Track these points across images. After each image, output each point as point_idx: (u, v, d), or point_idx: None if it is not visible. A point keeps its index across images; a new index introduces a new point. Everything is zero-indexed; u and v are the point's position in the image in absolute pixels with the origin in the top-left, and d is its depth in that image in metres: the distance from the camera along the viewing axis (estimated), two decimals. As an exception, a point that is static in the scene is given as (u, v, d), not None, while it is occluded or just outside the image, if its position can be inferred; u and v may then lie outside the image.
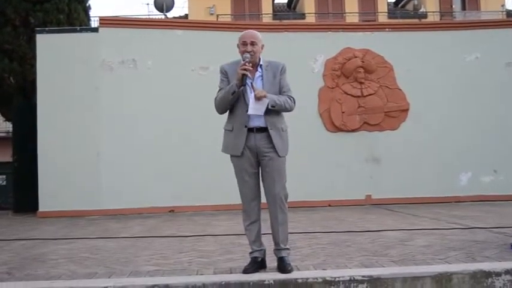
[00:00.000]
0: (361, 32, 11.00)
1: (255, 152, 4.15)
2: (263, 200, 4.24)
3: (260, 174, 4.23)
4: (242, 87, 4.08)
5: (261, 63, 4.24)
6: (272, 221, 4.19)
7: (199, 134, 9.98)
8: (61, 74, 10.05)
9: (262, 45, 4.26)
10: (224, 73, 4.28)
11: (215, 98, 4.27)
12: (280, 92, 4.22)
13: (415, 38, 10.93)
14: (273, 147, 4.13)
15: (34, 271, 4.53)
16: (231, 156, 4.26)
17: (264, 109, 4.06)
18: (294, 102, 4.26)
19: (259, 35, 4.25)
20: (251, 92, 4.10)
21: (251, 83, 4.09)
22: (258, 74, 4.22)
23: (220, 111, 4.28)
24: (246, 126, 4.13)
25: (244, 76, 4.03)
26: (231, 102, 4.16)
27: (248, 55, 4.11)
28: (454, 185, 10.57)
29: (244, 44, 4.17)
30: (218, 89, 4.28)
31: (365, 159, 10.56)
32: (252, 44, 4.16)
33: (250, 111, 4.06)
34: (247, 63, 4.07)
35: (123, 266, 4.65)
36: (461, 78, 10.76)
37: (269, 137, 4.13)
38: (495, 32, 11.03)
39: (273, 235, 4.22)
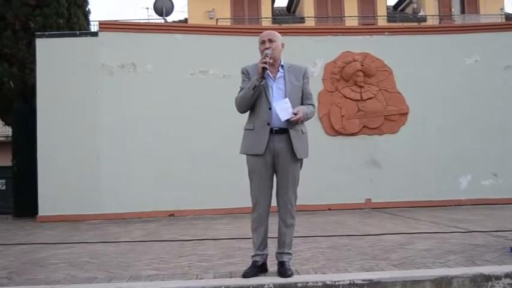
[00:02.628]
0: (361, 36, 11.02)
1: (273, 154, 4.14)
2: (273, 203, 4.23)
3: (274, 177, 4.22)
4: (263, 82, 4.08)
5: (282, 64, 4.27)
6: (280, 224, 4.21)
7: (199, 137, 9.99)
8: (61, 78, 10.05)
9: (283, 44, 4.30)
10: (246, 73, 4.29)
11: (236, 98, 4.26)
12: (303, 97, 4.27)
13: (415, 41, 10.95)
14: (291, 149, 4.12)
15: (34, 276, 4.53)
16: (249, 156, 4.22)
17: (288, 115, 4.07)
18: (315, 109, 4.39)
19: (278, 34, 4.29)
20: (272, 85, 4.15)
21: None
22: (280, 74, 4.24)
23: (242, 109, 4.25)
24: (268, 124, 4.12)
25: (264, 70, 4.04)
26: (252, 99, 4.15)
27: (269, 51, 4.13)
28: (453, 189, 10.57)
29: (263, 42, 4.22)
30: (239, 89, 4.28)
31: (365, 163, 10.56)
32: (270, 41, 4.21)
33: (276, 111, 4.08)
34: (266, 57, 4.08)
35: (123, 270, 4.65)
36: (460, 82, 10.77)
37: (288, 138, 4.12)
38: (494, 35, 11.05)
39: (278, 238, 4.23)
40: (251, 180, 4.24)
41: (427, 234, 6.40)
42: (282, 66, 4.27)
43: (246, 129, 4.26)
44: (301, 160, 4.23)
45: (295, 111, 4.07)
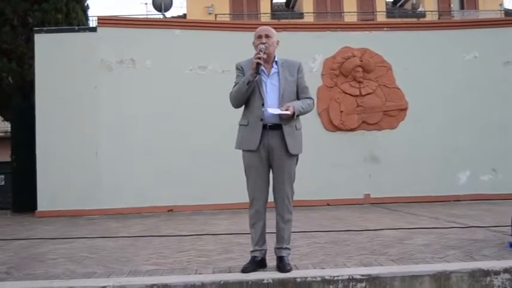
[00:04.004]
0: (360, 31, 11.01)
1: (267, 149, 4.14)
2: (270, 198, 4.23)
3: (270, 173, 4.22)
4: (257, 77, 4.07)
5: (276, 59, 4.26)
6: (277, 219, 4.21)
7: (198, 133, 9.99)
8: (59, 73, 10.04)
9: (278, 41, 4.28)
10: (240, 69, 4.28)
11: (230, 93, 4.25)
12: (299, 91, 4.26)
13: (414, 37, 10.93)
14: (285, 145, 4.12)
15: (33, 271, 4.53)
16: (244, 151, 4.22)
17: (278, 111, 4.07)
18: (313, 103, 4.37)
19: (274, 30, 4.29)
20: (266, 85, 4.15)
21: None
22: (274, 70, 4.23)
23: (236, 104, 4.25)
24: (261, 120, 4.12)
25: (258, 65, 4.03)
26: (246, 94, 4.14)
27: (263, 46, 4.12)
28: (452, 184, 10.58)
29: (260, 37, 4.20)
30: (233, 84, 4.27)
31: (364, 158, 10.56)
32: (267, 36, 4.20)
33: (268, 110, 4.08)
34: (260, 52, 4.07)
35: (122, 265, 4.65)
36: (459, 77, 10.77)
37: (282, 134, 4.12)
38: (493, 31, 11.03)
39: (276, 233, 4.24)
40: (247, 176, 4.24)
41: (426, 229, 6.40)
42: (276, 62, 4.26)
43: (240, 125, 4.27)
44: (296, 155, 4.23)
45: (286, 107, 4.06)
